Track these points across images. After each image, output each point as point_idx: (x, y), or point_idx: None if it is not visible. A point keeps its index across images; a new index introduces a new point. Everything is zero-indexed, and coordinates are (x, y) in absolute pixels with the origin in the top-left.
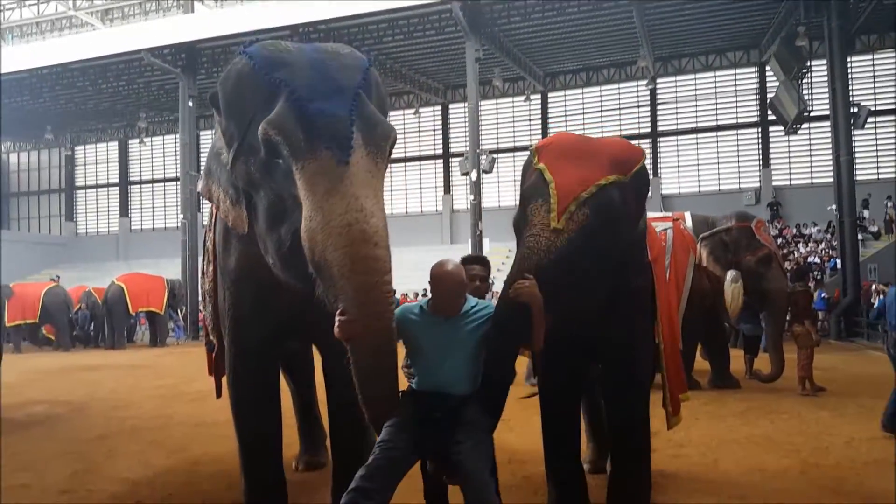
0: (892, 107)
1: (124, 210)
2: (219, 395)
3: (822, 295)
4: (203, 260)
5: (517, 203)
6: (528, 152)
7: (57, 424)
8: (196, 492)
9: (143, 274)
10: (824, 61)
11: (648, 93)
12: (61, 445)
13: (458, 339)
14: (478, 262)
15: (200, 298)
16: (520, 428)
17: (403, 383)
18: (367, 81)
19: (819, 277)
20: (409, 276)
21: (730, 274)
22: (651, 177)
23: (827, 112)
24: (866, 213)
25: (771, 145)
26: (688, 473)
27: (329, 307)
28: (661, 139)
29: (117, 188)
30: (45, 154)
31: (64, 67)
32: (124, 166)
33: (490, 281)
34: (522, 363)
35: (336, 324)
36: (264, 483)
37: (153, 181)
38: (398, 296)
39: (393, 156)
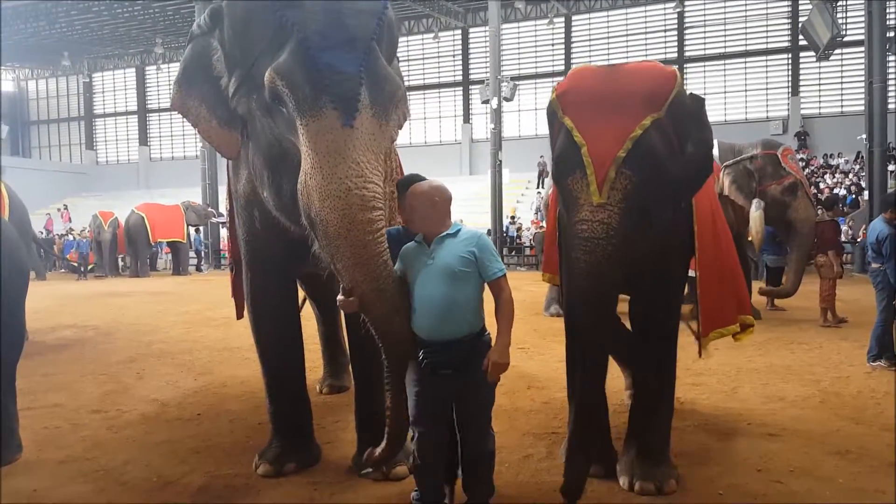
0: None
1: (143, 138)
2: (239, 316)
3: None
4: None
5: (537, 133)
6: (549, 79)
7: (86, 348)
8: (224, 411)
9: (161, 204)
10: None
11: (676, 16)
12: (91, 367)
13: (443, 263)
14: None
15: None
16: (539, 356)
17: None
18: (380, 27)
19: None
20: None
21: (754, 203)
22: None
23: (861, 37)
24: None
25: (801, 72)
26: (707, 401)
27: (326, 263)
28: (688, 65)
29: (136, 116)
30: (63, 81)
31: None
32: (142, 94)
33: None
34: (540, 293)
35: (337, 302)
36: (288, 402)
37: (172, 109)
38: None
39: (411, 83)
